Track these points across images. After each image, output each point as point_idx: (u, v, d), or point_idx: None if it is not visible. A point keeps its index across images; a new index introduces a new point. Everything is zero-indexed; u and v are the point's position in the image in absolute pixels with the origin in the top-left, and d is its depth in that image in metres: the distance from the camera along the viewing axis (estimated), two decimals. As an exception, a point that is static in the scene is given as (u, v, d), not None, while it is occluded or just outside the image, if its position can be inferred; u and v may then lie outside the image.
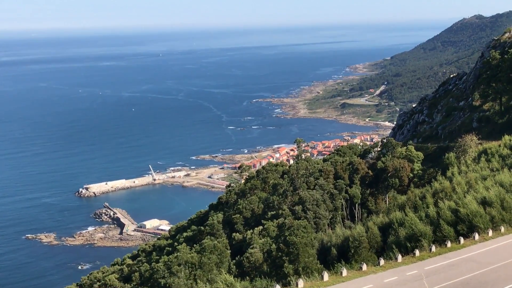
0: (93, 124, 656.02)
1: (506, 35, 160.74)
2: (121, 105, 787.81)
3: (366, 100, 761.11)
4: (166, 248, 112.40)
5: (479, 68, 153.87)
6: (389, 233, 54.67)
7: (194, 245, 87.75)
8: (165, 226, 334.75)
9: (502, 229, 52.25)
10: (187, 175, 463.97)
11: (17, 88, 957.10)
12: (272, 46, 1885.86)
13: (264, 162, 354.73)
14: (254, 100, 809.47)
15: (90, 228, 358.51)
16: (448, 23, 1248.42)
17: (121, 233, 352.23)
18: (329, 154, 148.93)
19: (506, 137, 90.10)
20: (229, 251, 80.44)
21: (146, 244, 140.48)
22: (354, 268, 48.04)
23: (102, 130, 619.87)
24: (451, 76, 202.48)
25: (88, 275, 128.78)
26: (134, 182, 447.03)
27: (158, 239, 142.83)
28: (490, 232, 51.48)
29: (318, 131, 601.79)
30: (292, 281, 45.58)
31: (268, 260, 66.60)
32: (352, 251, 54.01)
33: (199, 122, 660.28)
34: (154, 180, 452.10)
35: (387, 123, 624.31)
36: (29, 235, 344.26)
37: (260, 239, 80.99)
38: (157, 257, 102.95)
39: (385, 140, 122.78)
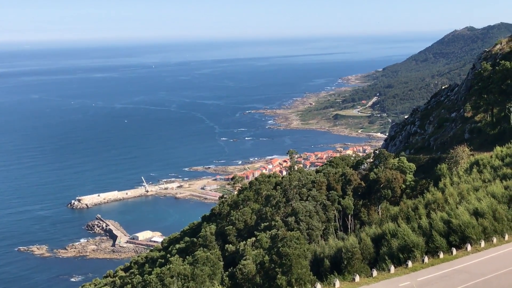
0: (85, 135, 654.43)
1: (497, 46, 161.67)
2: (114, 116, 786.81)
3: (358, 111, 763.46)
4: (159, 260, 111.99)
5: (470, 80, 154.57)
6: (382, 244, 54.71)
7: (187, 256, 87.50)
8: (157, 237, 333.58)
9: (495, 240, 52.39)
10: (180, 186, 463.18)
11: (9, 100, 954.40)
12: (265, 57, 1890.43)
13: (257, 174, 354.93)
14: (247, 112, 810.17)
15: (83, 240, 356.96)
16: (439, 35, 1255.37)
17: (113, 245, 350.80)
18: (322, 165, 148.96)
19: (498, 148, 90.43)
20: (222, 263, 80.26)
21: (138, 256, 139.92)
22: (347, 280, 48.03)
23: (95, 142, 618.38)
24: (443, 87, 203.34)
25: (80, 287, 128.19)
26: (126, 193, 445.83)
27: (151, 251, 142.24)
28: (483, 243, 51.60)
29: (310, 142, 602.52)
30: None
31: (261, 272, 66.46)
32: (345, 263, 53.98)
33: (192, 133, 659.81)
34: (147, 191, 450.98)
35: (379, 134, 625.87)
36: (21, 247, 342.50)
37: (253, 250, 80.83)
38: (150, 269, 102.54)
39: (377, 151, 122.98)
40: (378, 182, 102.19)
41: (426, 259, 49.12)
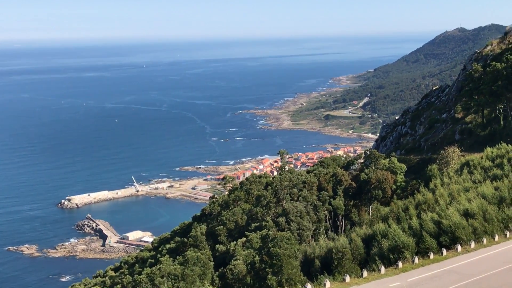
0: (76, 135, 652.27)
1: (488, 48, 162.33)
2: (104, 116, 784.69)
3: (349, 112, 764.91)
4: (149, 260, 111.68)
5: (461, 81, 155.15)
6: (372, 244, 54.73)
7: (177, 257, 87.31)
8: (148, 237, 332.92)
9: (485, 240, 52.51)
10: (171, 186, 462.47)
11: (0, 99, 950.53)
12: (256, 57, 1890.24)
13: (247, 174, 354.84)
14: (238, 112, 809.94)
15: (72, 240, 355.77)
16: (430, 35, 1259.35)
17: (103, 244, 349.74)
18: (313, 166, 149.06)
19: (488, 149, 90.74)
20: (212, 263, 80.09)
21: (128, 256, 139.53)
22: (337, 280, 47.98)
23: (85, 141, 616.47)
24: (434, 88, 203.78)
25: (70, 287, 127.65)
26: (117, 193, 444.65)
27: (141, 250, 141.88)
28: (473, 244, 51.69)
29: (301, 142, 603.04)
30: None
31: (252, 272, 66.33)
32: (336, 263, 53.93)
33: (182, 133, 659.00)
34: (137, 191, 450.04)
35: (370, 135, 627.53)
36: (11, 247, 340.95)
37: (244, 250, 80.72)
38: (140, 269, 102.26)
39: (368, 152, 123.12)
40: (369, 183, 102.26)
41: (416, 260, 49.15)
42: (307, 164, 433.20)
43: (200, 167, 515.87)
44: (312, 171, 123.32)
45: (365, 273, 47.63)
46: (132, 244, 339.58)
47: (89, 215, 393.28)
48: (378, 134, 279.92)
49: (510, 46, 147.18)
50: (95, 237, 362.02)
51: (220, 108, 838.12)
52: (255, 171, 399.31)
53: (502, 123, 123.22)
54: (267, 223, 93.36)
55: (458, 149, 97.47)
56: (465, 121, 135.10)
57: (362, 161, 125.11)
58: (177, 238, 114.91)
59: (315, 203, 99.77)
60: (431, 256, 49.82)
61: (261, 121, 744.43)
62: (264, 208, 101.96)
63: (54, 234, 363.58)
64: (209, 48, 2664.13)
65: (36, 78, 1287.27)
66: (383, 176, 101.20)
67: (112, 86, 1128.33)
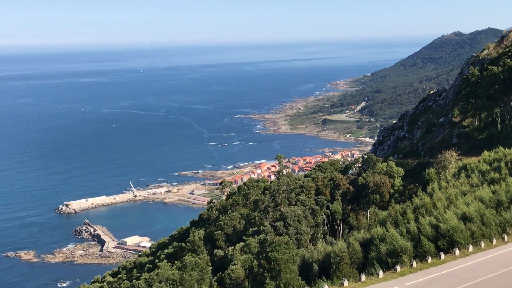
0: (73, 140, 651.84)
1: (485, 52, 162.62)
2: (102, 121, 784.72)
3: (347, 116, 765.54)
4: (147, 265, 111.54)
5: (458, 85, 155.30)
6: (370, 249, 54.70)
7: (175, 261, 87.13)
8: (146, 242, 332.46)
9: (483, 244, 52.50)
10: (168, 191, 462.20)
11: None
12: (253, 62, 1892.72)
13: (245, 178, 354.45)
14: (235, 116, 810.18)
15: (70, 245, 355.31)
16: (427, 40, 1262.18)
17: (101, 250, 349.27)
18: (310, 170, 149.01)
19: (486, 153, 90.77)
20: (210, 268, 79.99)
21: (126, 261, 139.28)
22: (335, 284, 47.97)
23: (83, 147, 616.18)
24: (431, 92, 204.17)
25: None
26: (114, 198, 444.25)
27: (139, 256, 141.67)
28: (471, 248, 51.69)
29: (299, 147, 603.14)
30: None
31: (250, 277, 66.27)
32: (334, 267, 53.88)
33: (180, 138, 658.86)
34: (135, 196, 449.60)
35: (367, 139, 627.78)
36: (8, 253, 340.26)
37: (242, 255, 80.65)
38: (138, 274, 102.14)
39: (366, 156, 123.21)
40: (367, 187, 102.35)
41: (414, 264, 49.14)
42: (304, 168, 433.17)
43: (198, 172, 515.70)
44: (310, 176, 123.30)
45: (363, 277, 47.62)
46: (130, 249, 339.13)
47: (87, 221, 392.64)
48: (375, 138, 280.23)
49: (507, 50, 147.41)
50: (93, 243, 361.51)
51: (218, 112, 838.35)
52: (253, 176, 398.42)
53: (499, 126, 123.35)
54: (265, 228, 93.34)
55: (456, 153, 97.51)
56: (463, 125, 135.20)
57: (360, 165, 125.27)
58: (175, 243, 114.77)
59: (313, 207, 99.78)
60: (429, 260, 49.81)
61: (259, 126, 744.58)
62: (262, 212, 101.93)
63: (52, 239, 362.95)
64: (206, 53, 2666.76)
65: (33, 84, 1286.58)
66: (381, 180, 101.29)
67: (109, 91, 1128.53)
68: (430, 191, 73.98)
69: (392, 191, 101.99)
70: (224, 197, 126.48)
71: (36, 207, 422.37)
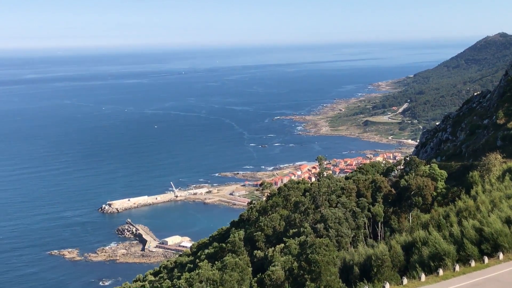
0: (116, 141, 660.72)
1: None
2: (144, 122, 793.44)
3: (389, 117, 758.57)
4: (188, 264, 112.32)
5: (503, 86, 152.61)
6: (412, 252, 54.18)
7: (216, 262, 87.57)
8: (186, 242, 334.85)
9: (527, 248, 51.59)
10: (209, 192, 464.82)
11: (42, 105, 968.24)
12: (294, 63, 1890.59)
13: (285, 180, 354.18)
14: (275, 118, 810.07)
15: (113, 244, 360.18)
16: (471, 41, 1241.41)
17: (143, 249, 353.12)
18: (351, 172, 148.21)
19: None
20: (250, 269, 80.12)
21: (168, 261, 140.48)
22: (376, 287, 47.67)
23: (125, 147, 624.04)
24: (475, 94, 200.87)
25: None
26: (156, 198, 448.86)
27: (180, 255, 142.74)
28: (515, 252, 50.85)
29: (340, 148, 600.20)
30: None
31: (290, 278, 66.24)
32: (375, 270, 53.53)
33: (221, 139, 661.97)
34: (176, 196, 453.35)
35: (410, 141, 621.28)
36: (52, 251, 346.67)
37: (282, 256, 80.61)
38: (179, 274, 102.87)
39: (408, 158, 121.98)
40: (409, 189, 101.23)
41: (457, 268, 48.52)
42: (345, 170, 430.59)
43: (238, 173, 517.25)
44: (351, 178, 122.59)
45: (405, 281, 47.22)
46: (171, 249, 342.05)
47: (129, 220, 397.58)
48: (418, 140, 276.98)
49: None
50: (134, 242, 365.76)
51: (258, 114, 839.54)
52: (293, 177, 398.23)
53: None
54: (305, 229, 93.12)
55: (500, 155, 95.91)
56: (507, 127, 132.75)
57: (402, 167, 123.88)
58: (215, 244, 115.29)
59: (354, 209, 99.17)
60: (473, 264, 49.12)
61: (299, 127, 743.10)
62: (302, 214, 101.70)
63: (95, 238, 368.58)
64: (247, 54, 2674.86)
65: (77, 85, 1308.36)
66: (423, 183, 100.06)
67: (151, 92, 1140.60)
68: (474, 194, 72.93)
69: (435, 194, 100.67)
70: (264, 198, 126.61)
71: (80, 206, 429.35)
